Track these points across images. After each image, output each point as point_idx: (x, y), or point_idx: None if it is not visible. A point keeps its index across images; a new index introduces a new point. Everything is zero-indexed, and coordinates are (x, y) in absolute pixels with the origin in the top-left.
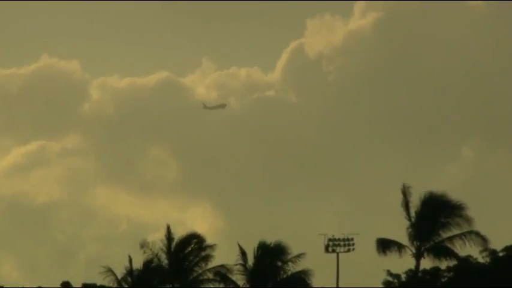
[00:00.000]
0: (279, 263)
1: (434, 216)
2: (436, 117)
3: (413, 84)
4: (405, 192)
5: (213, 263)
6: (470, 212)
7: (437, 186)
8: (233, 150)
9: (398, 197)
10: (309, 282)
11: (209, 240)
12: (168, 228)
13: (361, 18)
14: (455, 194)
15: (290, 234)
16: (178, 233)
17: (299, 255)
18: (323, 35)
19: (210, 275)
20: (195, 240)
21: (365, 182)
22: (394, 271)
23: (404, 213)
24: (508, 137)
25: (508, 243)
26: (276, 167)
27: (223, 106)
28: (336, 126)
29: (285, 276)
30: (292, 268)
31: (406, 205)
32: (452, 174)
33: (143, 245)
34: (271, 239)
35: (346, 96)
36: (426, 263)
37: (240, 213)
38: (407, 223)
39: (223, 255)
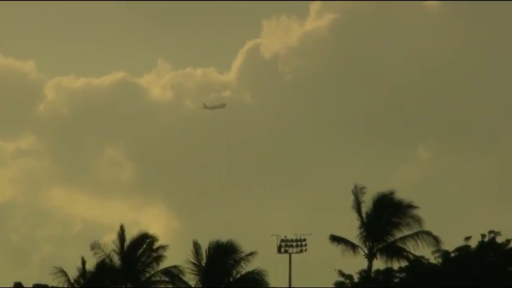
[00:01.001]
0: (231, 262)
1: (385, 217)
2: (391, 118)
3: (369, 84)
4: (357, 194)
5: (167, 263)
6: (425, 213)
7: (392, 187)
8: (188, 151)
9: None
10: (262, 282)
11: (165, 241)
12: (121, 228)
13: (317, 19)
14: (410, 195)
15: (244, 235)
16: (134, 234)
17: (251, 254)
18: (279, 36)
19: (162, 276)
20: (147, 241)
21: (320, 182)
22: (346, 272)
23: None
24: (464, 138)
25: (460, 244)
26: (231, 167)
27: (223, 106)
28: (291, 126)
29: (238, 276)
30: (245, 268)
31: (358, 206)
32: (407, 174)
33: (94, 246)
34: (225, 239)
35: (302, 96)
36: (379, 264)
37: (195, 214)
38: (359, 224)
39: (179, 255)
